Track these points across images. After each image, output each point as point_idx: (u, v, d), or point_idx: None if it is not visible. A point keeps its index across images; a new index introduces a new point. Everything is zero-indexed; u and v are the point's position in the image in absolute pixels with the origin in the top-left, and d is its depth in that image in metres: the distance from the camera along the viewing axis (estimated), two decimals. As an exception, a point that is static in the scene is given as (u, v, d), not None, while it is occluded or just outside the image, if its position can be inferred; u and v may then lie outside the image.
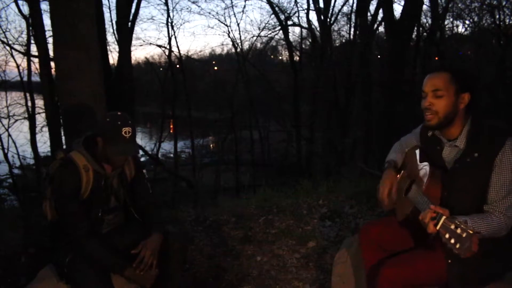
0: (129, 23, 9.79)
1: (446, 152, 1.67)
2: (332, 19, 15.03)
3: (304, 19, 27.56)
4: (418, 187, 1.69)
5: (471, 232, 1.26)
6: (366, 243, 1.89)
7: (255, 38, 17.00)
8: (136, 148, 1.96)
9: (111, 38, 23.09)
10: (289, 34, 16.48)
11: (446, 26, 13.74)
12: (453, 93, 1.57)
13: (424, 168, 1.73)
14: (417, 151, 1.86)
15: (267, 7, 20.87)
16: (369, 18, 12.82)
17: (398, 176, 1.88)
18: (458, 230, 1.29)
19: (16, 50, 11.30)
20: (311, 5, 15.06)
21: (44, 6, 11.67)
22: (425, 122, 1.65)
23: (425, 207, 1.54)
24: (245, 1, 45.98)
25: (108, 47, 10.20)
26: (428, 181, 1.66)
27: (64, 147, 3.31)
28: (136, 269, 1.83)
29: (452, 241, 1.29)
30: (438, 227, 1.36)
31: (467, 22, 13.61)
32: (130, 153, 1.94)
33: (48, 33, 8.80)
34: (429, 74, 1.63)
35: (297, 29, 30.14)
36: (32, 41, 10.26)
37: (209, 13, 37.64)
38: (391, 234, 1.84)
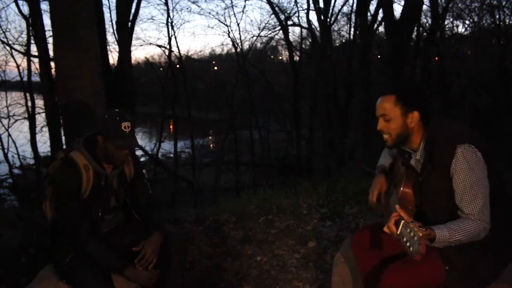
0: (129, 23, 9.81)
1: (412, 162, 1.71)
2: (332, 19, 15.08)
3: (304, 19, 27.55)
4: (396, 192, 1.72)
5: (420, 234, 1.29)
6: (358, 249, 1.90)
7: (255, 38, 17.01)
8: (136, 142, 1.97)
9: (111, 38, 23.04)
10: (289, 34, 16.51)
11: (446, 26, 13.77)
12: (400, 115, 1.62)
13: (403, 171, 1.75)
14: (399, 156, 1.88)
15: (267, 7, 20.86)
16: (369, 18, 12.83)
17: (386, 179, 1.91)
18: (411, 233, 1.32)
19: (16, 50, 11.34)
20: (311, 5, 15.09)
21: (44, 6, 11.67)
22: (385, 144, 1.71)
23: (394, 210, 1.56)
24: (245, 1, 45.96)
25: (108, 47, 10.21)
26: (403, 184, 1.69)
27: (64, 147, 3.31)
28: (137, 265, 1.84)
29: (408, 244, 1.32)
30: (398, 232, 1.40)
31: (467, 22, 13.64)
32: (132, 147, 1.94)
33: (48, 33, 8.83)
34: (380, 97, 1.67)
35: (297, 29, 30.12)
36: (32, 41, 10.27)
37: (209, 13, 37.63)
38: (382, 238, 1.84)
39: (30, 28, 10.06)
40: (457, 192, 1.53)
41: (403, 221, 1.39)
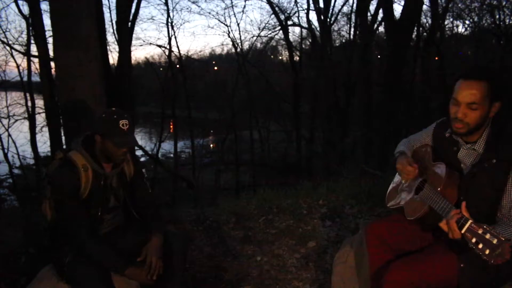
0: (129, 23, 9.80)
1: (462, 154, 1.63)
2: (332, 19, 15.06)
3: (304, 19, 27.60)
4: (433, 187, 1.65)
5: (502, 238, 1.23)
6: (372, 242, 1.84)
7: (255, 38, 17.01)
8: (135, 140, 1.97)
9: (111, 38, 23.07)
10: (289, 34, 16.51)
11: (446, 26, 13.77)
12: (487, 105, 1.51)
13: (439, 168, 1.68)
14: (429, 150, 1.82)
15: (267, 7, 20.88)
16: (369, 18, 12.83)
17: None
18: (487, 235, 1.25)
19: (16, 50, 11.33)
20: (311, 5, 15.10)
21: (44, 6, 11.66)
22: (453, 129, 1.59)
23: (445, 209, 1.50)
24: (245, 1, 45.97)
25: (108, 47, 10.21)
26: (444, 182, 1.61)
27: (64, 147, 3.31)
28: (147, 275, 1.85)
29: (480, 246, 1.26)
30: (463, 231, 1.33)
31: (467, 22, 13.64)
32: (130, 144, 1.94)
33: (48, 33, 8.82)
34: (464, 81, 1.52)
35: (297, 29, 30.15)
36: (32, 41, 10.26)
37: (209, 13, 37.49)
38: (399, 232, 1.80)
39: (30, 28, 10.05)
40: (508, 193, 1.47)
41: (470, 221, 1.32)
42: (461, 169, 1.64)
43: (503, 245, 1.22)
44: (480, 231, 1.28)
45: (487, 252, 1.24)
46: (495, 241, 1.23)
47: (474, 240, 1.28)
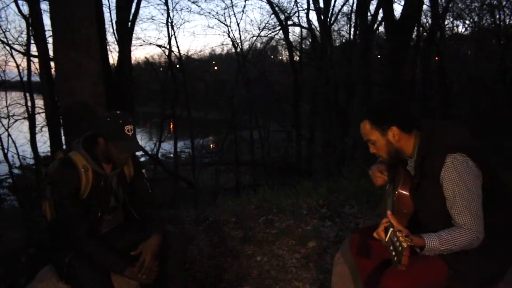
0: (129, 23, 9.80)
1: (409, 167, 1.72)
2: (332, 19, 15.06)
3: (304, 19, 27.48)
4: (393, 189, 1.73)
5: (405, 245, 1.28)
6: (356, 252, 1.89)
7: (255, 38, 17.00)
8: (139, 145, 1.97)
9: (111, 38, 23.06)
10: (289, 34, 16.50)
11: (446, 26, 13.76)
12: (380, 136, 1.65)
13: (401, 173, 1.75)
14: None
15: (267, 7, 20.85)
16: (369, 18, 12.82)
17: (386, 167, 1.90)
18: (397, 243, 1.31)
19: (16, 50, 11.33)
20: (311, 5, 15.08)
21: (44, 6, 11.64)
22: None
23: (384, 214, 1.56)
24: (245, 1, 46.03)
25: (108, 47, 10.21)
26: (400, 186, 1.69)
27: (64, 147, 3.31)
28: (138, 272, 1.84)
29: (393, 253, 1.32)
30: (386, 239, 1.40)
31: (467, 22, 13.64)
32: (135, 151, 1.94)
33: (48, 33, 8.82)
34: (360, 125, 1.71)
35: (297, 29, 30.13)
36: (32, 41, 10.26)
37: (209, 13, 37.45)
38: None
39: (30, 28, 10.05)
40: (448, 201, 1.53)
41: (391, 229, 1.39)
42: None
43: (403, 252, 1.28)
44: (394, 239, 1.34)
45: (395, 258, 1.30)
46: (400, 248, 1.29)
47: (391, 247, 1.35)
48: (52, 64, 8.06)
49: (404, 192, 1.67)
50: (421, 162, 1.59)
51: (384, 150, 1.67)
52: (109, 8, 14.54)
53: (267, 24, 17.49)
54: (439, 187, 1.54)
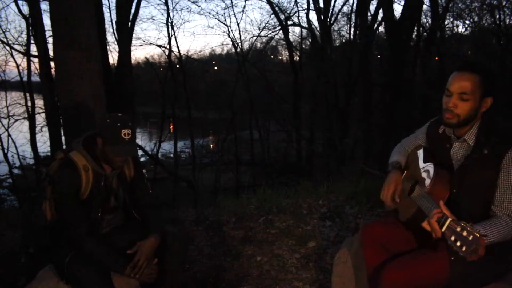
0: (129, 23, 9.80)
1: (454, 150, 1.65)
2: (332, 19, 15.07)
3: (304, 19, 27.53)
4: (422, 188, 1.67)
5: (477, 235, 1.23)
6: (368, 243, 1.86)
7: (255, 38, 17.00)
8: (135, 150, 1.97)
9: (111, 38, 23.09)
10: (289, 34, 16.50)
11: (446, 26, 13.75)
12: (478, 98, 1.54)
13: (428, 168, 1.70)
14: (420, 151, 1.83)
15: (267, 7, 20.87)
16: (369, 18, 12.82)
17: (402, 177, 1.86)
18: (464, 233, 1.26)
19: (16, 50, 11.35)
20: (311, 5, 15.09)
21: (44, 6, 11.68)
22: (444, 120, 1.60)
23: (430, 208, 1.52)
24: (245, 1, 46.00)
25: (108, 47, 10.21)
26: (433, 181, 1.64)
27: (64, 147, 3.31)
28: (131, 271, 1.84)
29: (458, 243, 1.27)
30: (443, 229, 1.34)
31: (467, 22, 13.63)
32: (128, 155, 1.94)
33: (48, 33, 8.83)
34: (458, 72, 1.57)
35: (297, 29, 30.14)
36: (32, 41, 10.27)
37: (209, 13, 37.68)
38: (394, 233, 1.82)
39: (30, 28, 10.07)
40: (501, 186, 1.48)
41: (450, 219, 1.33)
42: (452, 166, 1.65)
43: (478, 241, 1.22)
44: (458, 229, 1.29)
45: (463, 249, 1.25)
46: (470, 238, 1.24)
47: (452, 238, 1.29)
48: (52, 64, 8.07)
49: (439, 186, 1.61)
50: (484, 141, 1.53)
51: (469, 112, 1.54)
52: (109, 8, 14.63)
53: (267, 24, 17.57)
54: (495, 171, 1.49)
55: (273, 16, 15.73)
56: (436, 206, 1.48)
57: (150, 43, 16.08)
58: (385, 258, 1.80)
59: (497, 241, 1.44)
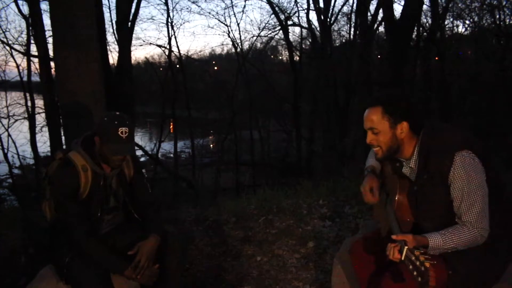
0: (129, 23, 9.78)
1: (405, 170, 1.68)
2: (332, 19, 15.05)
3: (304, 19, 27.49)
4: (391, 201, 1.70)
5: (427, 265, 1.23)
6: (357, 261, 1.87)
7: (255, 38, 16.98)
8: (133, 148, 1.96)
9: (111, 38, 23.10)
10: (289, 34, 16.49)
11: (446, 26, 13.74)
12: (388, 128, 1.58)
13: (395, 180, 1.72)
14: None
15: (267, 7, 20.83)
16: (369, 18, 12.82)
17: (379, 182, 1.84)
18: (417, 263, 1.27)
19: (16, 50, 11.32)
20: (311, 5, 15.07)
21: (44, 6, 11.65)
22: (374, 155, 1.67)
23: (395, 231, 1.54)
24: (245, 1, 45.97)
25: (108, 47, 10.21)
26: (397, 194, 1.66)
27: (64, 147, 3.31)
28: (133, 272, 1.83)
29: (415, 273, 1.27)
30: (402, 258, 1.35)
31: (467, 22, 13.63)
32: (125, 154, 1.93)
33: (48, 33, 8.82)
34: (367, 109, 1.62)
35: (297, 29, 30.16)
36: (32, 41, 10.26)
37: (209, 13, 37.69)
38: (381, 248, 1.83)
39: (30, 28, 10.05)
40: (455, 200, 1.51)
41: (406, 247, 1.34)
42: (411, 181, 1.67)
43: (427, 273, 1.23)
44: (413, 258, 1.29)
45: (419, 279, 1.25)
46: (422, 269, 1.24)
47: (410, 267, 1.30)
48: (52, 64, 8.07)
49: (403, 200, 1.64)
50: (425, 163, 1.55)
51: (386, 143, 1.59)
52: (109, 8, 14.62)
53: (267, 24, 17.55)
54: (445, 187, 1.51)
55: (273, 16, 15.72)
56: (398, 230, 1.51)
57: (150, 43, 16.07)
58: (375, 271, 1.80)
59: (461, 247, 1.47)
